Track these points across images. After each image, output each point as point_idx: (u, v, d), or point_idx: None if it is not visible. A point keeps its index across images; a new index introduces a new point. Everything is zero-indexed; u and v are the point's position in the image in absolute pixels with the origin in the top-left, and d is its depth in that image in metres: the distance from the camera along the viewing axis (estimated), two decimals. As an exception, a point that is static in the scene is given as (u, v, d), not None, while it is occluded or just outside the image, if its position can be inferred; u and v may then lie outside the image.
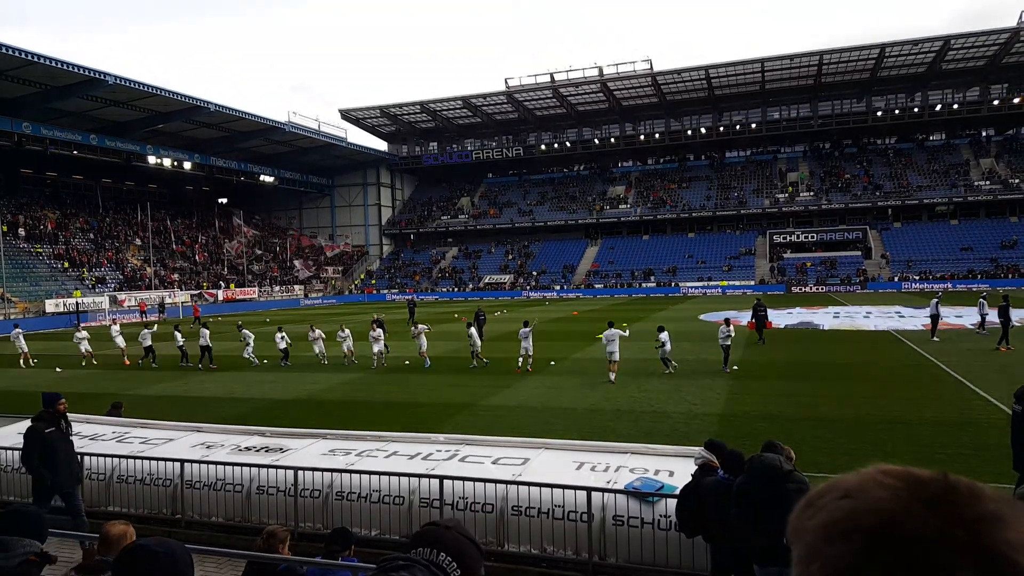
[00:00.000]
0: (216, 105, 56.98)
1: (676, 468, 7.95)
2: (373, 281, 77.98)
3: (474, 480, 7.89)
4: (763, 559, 5.46)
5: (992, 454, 10.75)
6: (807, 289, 60.09)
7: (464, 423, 13.91)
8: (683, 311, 43.27)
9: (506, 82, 73.12)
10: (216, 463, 8.82)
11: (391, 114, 79.92)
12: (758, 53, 64.54)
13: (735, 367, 19.44)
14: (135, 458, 9.22)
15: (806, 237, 68.52)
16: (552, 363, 21.74)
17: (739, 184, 75.92)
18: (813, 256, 66.38)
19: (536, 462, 8.71)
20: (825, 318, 35.56)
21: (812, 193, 71.10)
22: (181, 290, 58.60)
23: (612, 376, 18.11)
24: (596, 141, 79.34)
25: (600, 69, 70.10)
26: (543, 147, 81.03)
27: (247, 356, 23.43)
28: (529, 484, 7.74)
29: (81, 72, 46.34)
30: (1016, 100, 65.75)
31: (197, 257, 68.49)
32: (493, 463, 8.67)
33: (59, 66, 44.78)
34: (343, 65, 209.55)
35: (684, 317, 37.80)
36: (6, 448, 9.77)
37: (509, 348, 26.38)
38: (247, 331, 24.14)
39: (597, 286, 68.21)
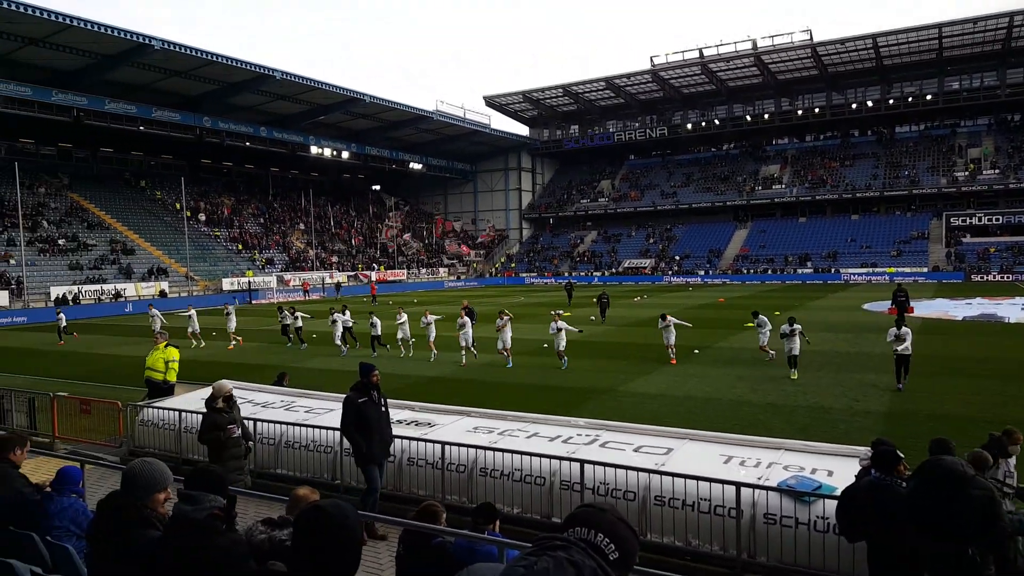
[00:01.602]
0: (371, 96, 60.15)
1: (836, 468, 7.39)
2: (513, 264, 79.35)
3: (615, 466, 7.77)
4: (939, 569, 4.94)
5: None
6: (990, 277, 53.92)
7: (603, 409, 13.79)
8: (843, 300, 40.31)
9: (651, 60, 71.27)
10: (370, 434, 9.29)
11: (533, 99, 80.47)
12: (934, 18, 58.02)
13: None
14: (301, 425, 9.93)
15: (990, 220, 61.21)
16: (696, 351, 21.02)
17: (911, 161, 69.20)
18: (998, 241, 59.18)
19: (680, 453, 8.44)
20: (1011, 310, 31.73)
21: (998, 171, 63.33)
22: (339, 271, 62.86)
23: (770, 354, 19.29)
24: (748, 118, 75.33)
25: (754, 42, 66.42)
26: (689, 126, 78.13)
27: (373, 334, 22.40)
28: (673, 475, 7.50)
29: (253, 69, 50.56)
30: None
31: (353, 241, 73.03)
32: (635, 451, 8.50)
33: (234, 64, 49.10)
34: (487, 52, 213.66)
35: (845, 307, 35.20)
36: (191, 412, 10.87)
37: (649, 335, 25.87)
38: (375, 317, 23.21)
39: (746, 271, 65.12)
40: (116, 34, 42.05)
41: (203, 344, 25.66)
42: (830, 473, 7.28)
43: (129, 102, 49.47)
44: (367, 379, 8.23)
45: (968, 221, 61.98)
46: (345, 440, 9.30)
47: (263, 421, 10.21)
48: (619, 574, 1.66)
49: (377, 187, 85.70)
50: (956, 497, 4.85)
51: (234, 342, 25.50)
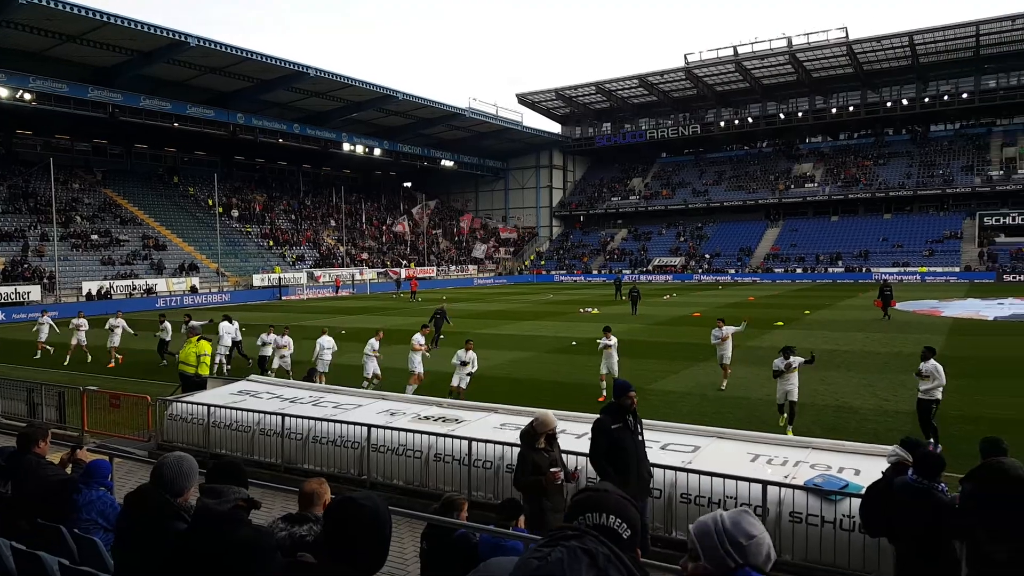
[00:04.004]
0: (404, 94, 60.51)
1: (863, 467, 7.37)
2: (543, 262, 79.32)
3: (642, 464, 7.79)
4: (1006, 570, 4.88)
5: None
6: (1023, 278, 52.54)
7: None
8: (874, 299, 39.53)
9: (685, 58, 70.58)
10: (399, 429, 9.43)
11: (566, 96, 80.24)
12: (971, 16, 56.58)
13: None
14: (328, 421, 10.08)
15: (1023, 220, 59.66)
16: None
17: (945, 160, 67.60)
18: (1033, 241, 57.66)
19: (707, 450, 8.45)
20: (1046, 311, 30.91)
21: (1035, 170, 61.63)
22: (369, 268, 63.39)
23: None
24: (782, 116, 74.24)
25: (789, 40, 65.41)
26: (722, 123, 77.23)
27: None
28: (700, 472, 7.55)
29: (286, 66, 51.19)
30: None
31: (384, 238, 73.61)
32: (661, 448, 8.52)
33: (268, 61, 49.74)
34: (520, 49, 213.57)
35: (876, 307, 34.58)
36: (220, 406, 11.12)
37: (680, 333, 25.71)
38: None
39: (777, 270, 64.26)
40: (152, 31, 42.80)
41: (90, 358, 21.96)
42: (857, 472, 7.26)
43: (164, 99, 50.30)
44: (623, 400, 7.01)
45: (1001, 221, 60.37)
46: (372, 434, 9.45)
47: (291, 416, 10.40)
48: (632, 551, 1.71)
49: (408, 184, 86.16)
50: (1017, 498, 4.76)
51: (114, 360, 21.23)
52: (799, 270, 63.27)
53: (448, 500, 5.83)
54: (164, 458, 3.61)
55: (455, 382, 14.38)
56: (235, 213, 62.65)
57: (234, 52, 47.66)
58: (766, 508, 6.90)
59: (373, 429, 9.46)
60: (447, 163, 77.11)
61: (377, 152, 68.72)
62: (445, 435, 9.07)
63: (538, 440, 6.51)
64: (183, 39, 44.41)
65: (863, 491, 6.23)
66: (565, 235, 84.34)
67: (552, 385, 16.41)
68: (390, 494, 9.09)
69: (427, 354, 15.61)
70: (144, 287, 45.96)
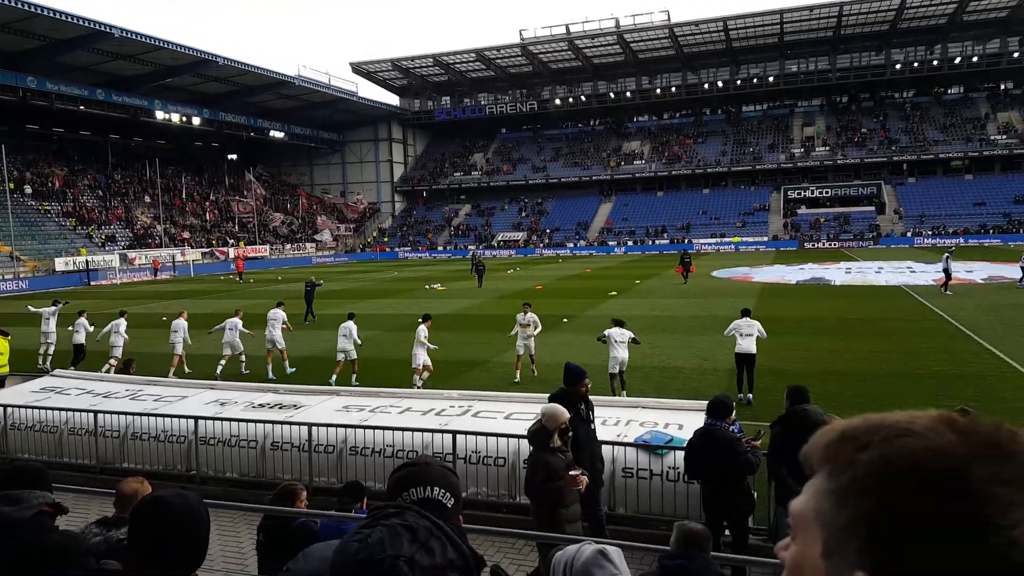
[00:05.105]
0: (224, 59, 56.25)
1: (685, 422, 8.00)
2: (386, 239, 77.94)
3: (487, 435, 7.94)
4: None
5: (997, 406, 10.90)
6: (820, 245, 59.57)
7: (477, 380, 13.94)
8: (696, 267, 42.99)
9: (520, 34, 71.77)
10: (230, 419, 8.89)
11: (403, 67, 78.66)
12: (778, 4, 62.48)
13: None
14: (149, 415, 9.31)
15: (820, 192, 67.59)
16: (565, 320, 21.68)
17: (755, 139, 74.59)
18: (827, 212, 65.53)
19: (549, 418, 8.73)
20: (837, 274, 35.32)
21: (828, 148, 69.80)
22: (192, 248, 58.75)
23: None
24: (612, 95, 77.91)
25: (617, 20, 68.47)
26: (558, 101, 79.66)
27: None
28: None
29: (86, 25, 45.73)
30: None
31: (207, 215, 68.50)
32: (506, 418, 8.71)
33: (63, 18, 44.15)
34: (354, 17, 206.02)
35: (697, 274, 37.59)
36: (19, 406, 9.90)
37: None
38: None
39: (611, 243, 67.84)
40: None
41: None
42: (680, 427, 7.85)
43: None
44: (575, 388, 6.55)
45: (802, 194, 68.05)
46: (200, 427, 8.81)
47: (105, 412, 9.46)
48: (455, 518, 1.74)
49: (233, 156, 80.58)
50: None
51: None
52: (630, 243, 67.23)
53: (284, 489, 5.59)
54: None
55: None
56: (29, 189, 55.39)
57: (22, 6, 41.74)
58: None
59: (201, 421, 8.83)
60: (276, 134, 73.09)
61: (196, 121, 63.63)
62: (282, 422, 8.67)
63: (551, 439, 5.57)
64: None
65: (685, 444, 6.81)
66: (408, 211, 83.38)
67: (401, 364, 16.18)
68: (224, 487, 8.56)
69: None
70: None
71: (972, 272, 31.90)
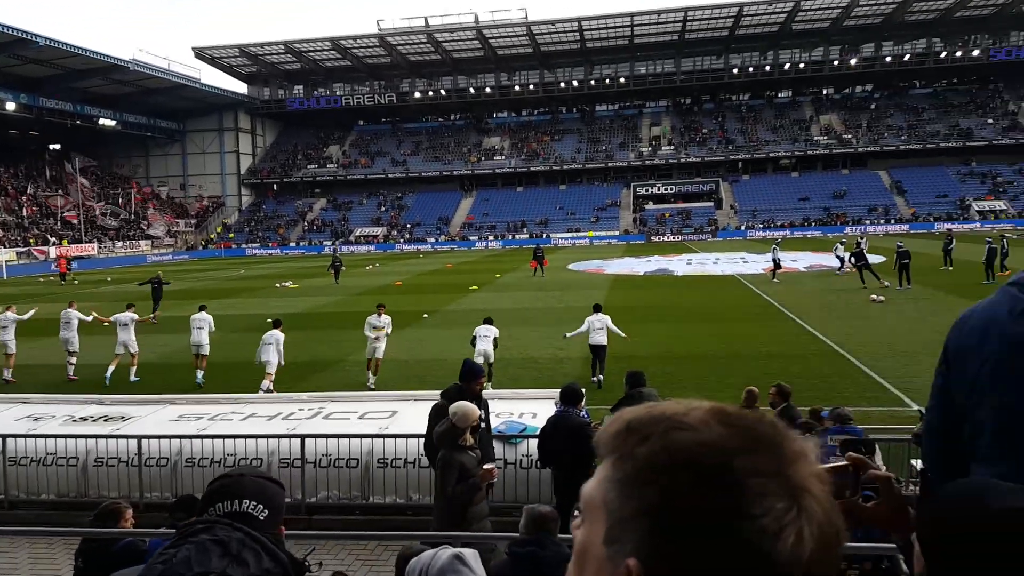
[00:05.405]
0: (47, 39, 50.50)
1: (538, 410, 8.19)
2: (231, 235, 73.64)
3: (338, 436, 7.73)
4: None
5: (816, 382, 12.36)
6: (665, 238, 63.40)
7: (331, 380, 13.52)
8: (553, 261, 44.29)
9: (378, 24, 70.44)
10: (46, 436, 8.01)
11: (251, 54, 74.37)
12: (629, 6, 65.52)
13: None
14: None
15: (665, 189, 71.95)
16: (425, 316, 21.52)
17: (607, 137, 77.88)
18: (671, 207, 69.84)
19: (405, 414, 8.63)
20: (679, 265, 37.86)
21: (672, 147, 74.29)
22: (5, 247, 52.34)
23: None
24: (472, 90, 78.20)
25: (476, 16, 68.81)
26: (417, 94, 78.82)
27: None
28: (396, 436, 7.74)
29: None
30: (852, 61, 71.46)
31: (25, 211, 61.38)
32: (359, 418, 8.55)
33: None
34: (201, 2, 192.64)
35: (554, 267, 38.73)
36: None
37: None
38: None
39: (472, 238, 68.24)
40: None
41: None
42: (534, 415, 8.03)
43: None
44: (468, 385, 6.28)
45: (649, 191, 72.17)
46: (10, 446, 7.86)
47: None
48: (273, 529, 1.68)
49: (56, 146, 72.77)
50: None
51: None
52: (491, 237, 68.03)
53: (105, 509, 5.12)
54: None
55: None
56: None
57: None
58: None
59: (10, 440, 7.87)
60: (107, 122, 66.79)
61: (11, 107, 56.81)
62: (108, 436, 7.94)
63: (462, 438, 5.55)
64: None
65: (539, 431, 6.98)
66: (257, 205, 79.23)
67: (243, 367, 15.31)
68: (38, 511, 7.70)
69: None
70: None
71: (797, 261, 35.25)
